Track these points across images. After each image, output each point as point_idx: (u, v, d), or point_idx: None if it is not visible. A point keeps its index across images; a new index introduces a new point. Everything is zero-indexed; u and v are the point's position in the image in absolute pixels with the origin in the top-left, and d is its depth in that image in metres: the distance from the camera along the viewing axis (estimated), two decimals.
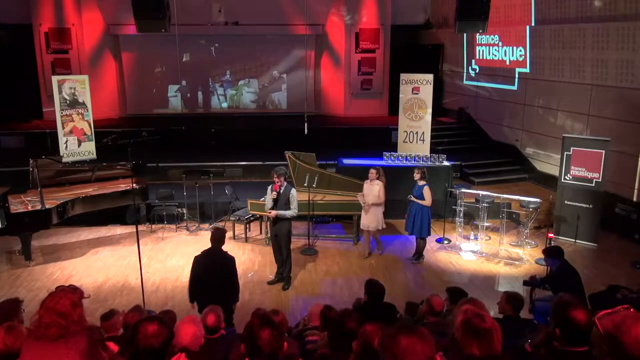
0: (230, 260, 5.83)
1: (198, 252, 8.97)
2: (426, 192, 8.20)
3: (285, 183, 7.48)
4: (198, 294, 5.73)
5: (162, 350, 2.59)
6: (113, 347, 3.19)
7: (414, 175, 8.41)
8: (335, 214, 9.93)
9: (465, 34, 13.78)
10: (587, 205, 9.09)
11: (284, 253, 7.64)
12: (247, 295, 7.39)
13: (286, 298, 7.37)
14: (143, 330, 2.56)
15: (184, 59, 14.38)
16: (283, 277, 7.71)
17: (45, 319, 2.57)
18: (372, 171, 8.48)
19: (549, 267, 6.30)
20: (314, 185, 9.05)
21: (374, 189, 8.42)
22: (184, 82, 16.00)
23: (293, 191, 7.49)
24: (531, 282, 6.26)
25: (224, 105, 16.58)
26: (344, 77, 15.99)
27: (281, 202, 7.39)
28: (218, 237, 5.83)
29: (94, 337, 2.71)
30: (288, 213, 7.40)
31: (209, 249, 5.85)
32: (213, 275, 5.66)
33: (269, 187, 7.57)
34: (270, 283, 7.75)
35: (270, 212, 7.47)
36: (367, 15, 15.73)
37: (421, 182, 8.31)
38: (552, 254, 6.15)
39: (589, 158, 9.05)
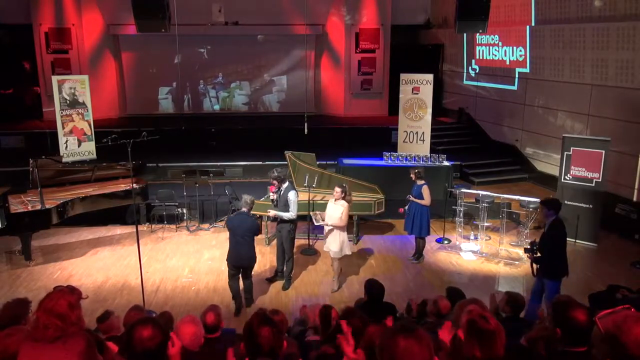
0: (253, 223, 6.83)
1: (198, 253, 9.06)
2: (425, 191, 8.16)
3: (284, 185, 7.48)
4: (229, 250, 6.90)
5: (158, 352, 2.61)
6: (113, 347, 3.19)
7: (410, 175, 8.38)
8: None
9: (465, 34, 13.78)
10: (587, 205, 9.09)
11: (286, 254, 7.63)
12: None
13: (286, 298, 7.37)
14: (138, 334, 2.57)
15: (175, 61, 14.46)
16: (283, 275, 7.72)
17: (43, 321, 2.56)
18: (338, 190, 7.36)
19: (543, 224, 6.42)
20: (314, 185, 9.05)
21: (337, 210, 7.32)
22: (174, 84, 16.00)
23: (291, 194, 7.41)
24: (531, 248, 6.32)
25: (216, 107, 16.57)
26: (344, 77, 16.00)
27: (281, 203, 7.48)
28: (245, 203, 6.89)
29: (91, 338, 2.71)
30: (286, 215, 7.41)
31: (238, 211, 7.00)
32: (238, 234, 6.76)
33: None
34: (269, 280, 7.79)
35: (269, 212, 7.58)
36: (367, 15, 15.73)
37: (419, 182, 8.26)
38: (550, 205, 6.24)
39: (589, 158, 9.05)
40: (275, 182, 7.45)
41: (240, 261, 6.85)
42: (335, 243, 7.33)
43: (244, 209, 6.82)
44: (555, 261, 6.12)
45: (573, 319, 2.63)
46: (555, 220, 6.16)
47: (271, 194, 7.66)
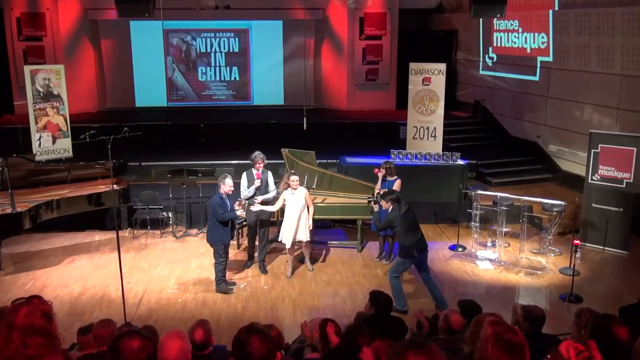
0: (211, 202, 7.66)
1: (185, 261, 9.10)
2: (397, 184, 8.55)
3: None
4: None
5: None
6: None
7: (381, 170, 8.71)
8: (338, 218, 9.92)
9: (481, 19, 13.79)
10: (617, 209, 9.08)
11: (261, 238, 8.39)
12: (239, 307, 7.43)
13: (283, 311, 7.37)
14: (128, 346, 2.57)
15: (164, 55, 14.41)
16: (256, 262, 8.53)
17: (21, 340, 2.45)
18: (294, 178, 8.01)
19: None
20: (314, 187, 9.06)
21: (300, 198, 8.01)
22: (160, 74, 16.02)
23: (269, 174, 8.41)
24: (375, 197, 7.47)
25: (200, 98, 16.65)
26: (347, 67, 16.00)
27: (263, 185, 8.23)
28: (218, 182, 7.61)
29: (68, 355, 2.68)
30: (271, 195, 8.26)
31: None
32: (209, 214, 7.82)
33: (245, 174, 8.26)
34: (246, 266, 8.59)
35: (256, 199, 8.01)
36: None
37: (391, 178, 8.66)
38: (388, 198, 7.32)
39: (618, 156, 9.04)
40: (262, 164, 8.15)
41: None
42: (305, 231, 8.06)
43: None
44: (404, 241, 7.18)
45: (614, 335, 2.71)
46: (394, 208, 7.19)
47: (257, 181, 8.14)
